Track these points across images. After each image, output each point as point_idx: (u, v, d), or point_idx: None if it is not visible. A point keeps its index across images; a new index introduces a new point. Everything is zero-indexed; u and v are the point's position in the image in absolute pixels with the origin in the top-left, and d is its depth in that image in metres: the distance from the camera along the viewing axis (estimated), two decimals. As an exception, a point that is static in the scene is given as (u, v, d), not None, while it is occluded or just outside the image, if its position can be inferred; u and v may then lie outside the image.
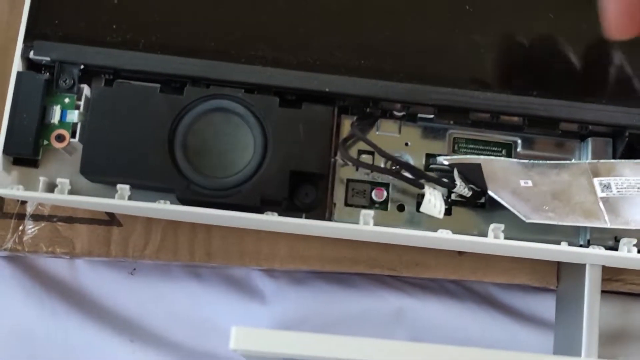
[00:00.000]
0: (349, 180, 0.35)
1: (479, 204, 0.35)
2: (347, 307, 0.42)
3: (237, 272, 0.42)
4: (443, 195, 0.34)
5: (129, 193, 0.33)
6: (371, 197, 0.35)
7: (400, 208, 0.35)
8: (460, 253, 0.40)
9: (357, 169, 0.35)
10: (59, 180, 0.33)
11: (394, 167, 0.33)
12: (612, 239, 0.35)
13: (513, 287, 0.42)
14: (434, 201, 0.32)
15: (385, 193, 0.35)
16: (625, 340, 0.42)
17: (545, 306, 0.42)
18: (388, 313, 0.42)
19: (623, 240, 0.34)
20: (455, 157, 0.34)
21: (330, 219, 0.35)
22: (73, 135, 0.33)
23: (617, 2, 0.25)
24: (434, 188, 0.33)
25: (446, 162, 0.34)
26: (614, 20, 0.26)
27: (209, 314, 0.42)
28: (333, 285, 0.42)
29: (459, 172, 0.34)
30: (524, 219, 0.32)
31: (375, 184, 0.35)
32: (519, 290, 0.43)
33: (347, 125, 0.35)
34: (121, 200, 0.32)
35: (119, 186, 0.33)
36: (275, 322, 0.41)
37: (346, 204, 0.35)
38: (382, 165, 0.34)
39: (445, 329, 0.42)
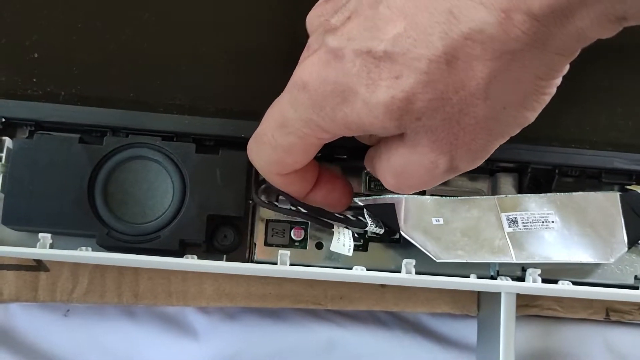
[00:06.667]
0: (268, 221, 0.37)
1: (395, 239, 0.37)
2: (279, 341, 0.43)
3: (170, 309, 0.43)
4: (354, 233, 0.35)
5: (50, 241, 0.33)
6: (290, 236, 0.36)
7: (319, 246, 0.37)
8: (382, 285, 0.41)
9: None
10: (-19, 231, 0.34)
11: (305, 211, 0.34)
12: (520, 270, 0.37)
13: (439, 313, 0.44)
14: (342, 240, 0.34)
15: (303, 232, 0.36)
16: (546, 362, 0.44)
17: (468, 331, 0.43)
18: (319, 345, 0.43)
19: (529, 271, 0.35)
20: (369, 197, 0.35)
21: (251, 259, 0.36)
22: (-5, 187, 0.34)
23: None
24: (345, 227, 0.35)
25: (361, 203, 0.35)
26: None
27: (143, 352, 0.42)
28: (265, 319, 0.43)
29: (372, 212, 0.35)
30: (434, 258, 0.34)
31: (294, 223, 0.37)
32: (444, 316, 0.44)
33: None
34: (43, 249, 0.33)
35: (40, 235, 0.33)
36: (209, 358, 0.42)
37: (266, 244, 0.36)
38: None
39: (374, 357, 0.43)
